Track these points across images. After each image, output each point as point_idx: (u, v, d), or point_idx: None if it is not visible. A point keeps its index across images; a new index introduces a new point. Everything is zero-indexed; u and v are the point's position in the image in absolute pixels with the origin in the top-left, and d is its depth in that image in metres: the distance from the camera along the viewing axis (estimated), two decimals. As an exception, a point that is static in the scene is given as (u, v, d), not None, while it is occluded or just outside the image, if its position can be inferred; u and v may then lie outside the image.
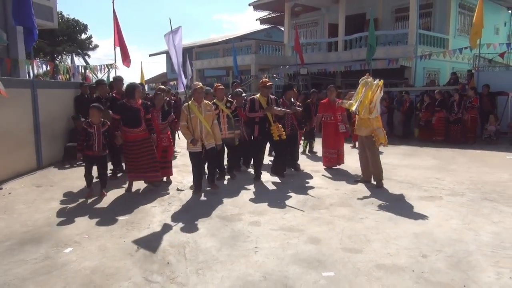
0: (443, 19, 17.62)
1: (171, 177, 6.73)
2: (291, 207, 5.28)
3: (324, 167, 7.77)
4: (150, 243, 4.11)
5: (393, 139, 9.84)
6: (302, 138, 9.20)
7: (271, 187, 6.43)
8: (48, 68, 10.88)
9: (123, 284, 3.27)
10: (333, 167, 7.67)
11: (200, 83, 5.93)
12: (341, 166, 7.72)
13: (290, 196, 5.82)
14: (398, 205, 5.31)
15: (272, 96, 6.63)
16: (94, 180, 5.97)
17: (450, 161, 8.41)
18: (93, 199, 5.72)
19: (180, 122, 5.78)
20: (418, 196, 5.73)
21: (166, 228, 4.57)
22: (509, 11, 21.24)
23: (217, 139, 5.91)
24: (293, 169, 7.45)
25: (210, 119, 5.82)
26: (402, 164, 7.98)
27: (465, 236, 4.17)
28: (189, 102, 5.73)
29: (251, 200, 5.67)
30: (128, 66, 11.70)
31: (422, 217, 4.80)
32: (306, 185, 6.52)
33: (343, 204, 5.41)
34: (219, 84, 7.04)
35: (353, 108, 6.18)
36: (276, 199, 5.67)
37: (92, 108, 5.73)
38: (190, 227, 4.56)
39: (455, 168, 7.71)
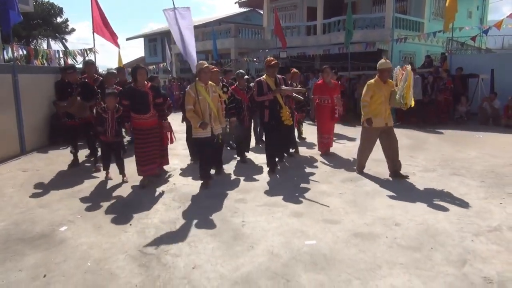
0: (419, 3, 18.00)
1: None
2: (274, 185, 5.56)
3: (320, 152, 7.48)
4: (142, 220, 4.33)
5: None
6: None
7: (253, 168, 6.68)
8: (26, 52, 10.69)
9: (120, 257, 3.48)
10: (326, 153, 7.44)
11: (206, 62, 5.50)
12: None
13: (273, 176, 6.10)
14: (374, 181, 5.67)
15: (279, 76, 6.10)
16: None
17: (423, 140, 8.86)
18: (79, 186, 5.86)
19: (186, 106, 5.27)
20: (393, 173, 6.10)
21: (156, 207, 4.78)
22: (482, -5, 21.86)
23: (221, 122, 5.61)
24: (286, 154, 7.10)
25: (216, 102, 5.47)
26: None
27: (434, 207, 4.54)
28: (195, 83, 5.29)
29: (235, 180, 5.93)
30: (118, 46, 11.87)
31: (397, 191, 5.16)
32: (288, 165, 6.81)
33: (323, 181, 5.73)
34: (214, 66, 6.45)
35: (409, 102, 5.60)
36: (259, 178, 5.94)
37: (108, 95, 5.83)
38: (179, 206, 4.79)
39: (428, 146, 8.15)
